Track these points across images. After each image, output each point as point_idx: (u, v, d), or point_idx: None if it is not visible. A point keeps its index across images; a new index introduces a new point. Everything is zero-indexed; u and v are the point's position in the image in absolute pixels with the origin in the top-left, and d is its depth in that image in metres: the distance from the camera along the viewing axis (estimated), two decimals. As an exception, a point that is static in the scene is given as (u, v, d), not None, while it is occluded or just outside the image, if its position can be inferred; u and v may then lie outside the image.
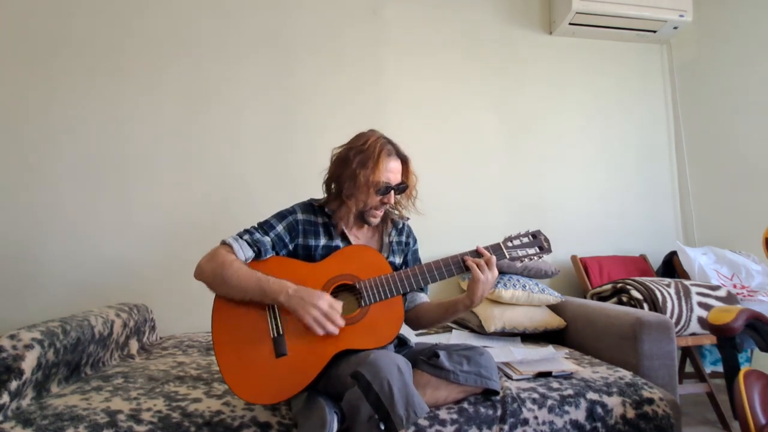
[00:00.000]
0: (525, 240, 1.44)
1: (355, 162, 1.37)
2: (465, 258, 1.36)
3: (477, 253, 1.37)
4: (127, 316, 1.84)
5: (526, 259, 1.42)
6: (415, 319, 1.50)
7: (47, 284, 2.15)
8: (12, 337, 1.29)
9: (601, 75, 2.87)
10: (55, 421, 1.18)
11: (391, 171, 1.39)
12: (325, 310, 1.21)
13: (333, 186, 1.45)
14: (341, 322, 1.24)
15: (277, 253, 1.37)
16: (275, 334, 1.25)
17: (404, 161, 1.44)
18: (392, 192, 1.41)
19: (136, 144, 2.30)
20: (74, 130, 2.24)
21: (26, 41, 2.23)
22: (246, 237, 1.34)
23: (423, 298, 1.52)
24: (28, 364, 1.27)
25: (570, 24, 2.69)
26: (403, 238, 1.55)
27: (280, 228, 1.38)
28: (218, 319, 1.28)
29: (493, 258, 1.35)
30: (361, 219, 1.45)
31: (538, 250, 1.43)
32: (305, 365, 1.23)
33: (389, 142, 1.43)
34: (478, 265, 1.33)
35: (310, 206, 1.46)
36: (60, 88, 2.24)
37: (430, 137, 2.59)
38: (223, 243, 1.33)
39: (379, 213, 1.44)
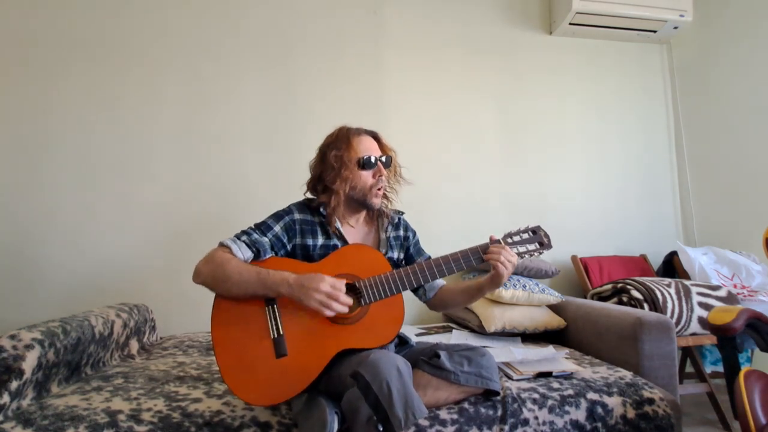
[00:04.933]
0: (525, 236, 1.43)
1: (330, 151, 1.41)
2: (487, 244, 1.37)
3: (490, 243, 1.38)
4: (127, 316, 1.84)
5: (526, 255, 1.41)
6: (440, 304, 1.55)
7: (47, 284, 2.15)
8: (12, 337, 1.29)
9: (601, 75, 2.87)
10: (55, 422, 1.18)
11: (366, 145, 1.43)
12: (328, 291, 1.21)
13: (318, 186, 1.46)
14: (347, 300, 1.23)
15: (276, 254, 1.37)
16: (275, 335, 1.25)
17: (375, 136, 1.48)
18: (380, 164, 1.42)
19: (136, 144, 2.30)
20: (74, 130, 2.24)
21: (26, 41, 2.23)
22: (244, 238, 1.33)
23: (441, 282, 1.55)
24: (29, 364, 1.27)
25: (570, 24, 2.69)
26: (401, 232, 1.55)
27: (277, 228, 1.38)
28: (217, 321, 1.27)
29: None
30: (363, 206, 1.45)
31: (538, 246, 1.42)
32: (306, 365, 1.22)
33: (354, 127, 1.48)
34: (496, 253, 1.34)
35: (305, 206, 1.46)
36: (60, 88, 2.24)
37: (430, 137, 2.59)
38: (221, 245, 1.33)
39: (379, 192, 1.44)
